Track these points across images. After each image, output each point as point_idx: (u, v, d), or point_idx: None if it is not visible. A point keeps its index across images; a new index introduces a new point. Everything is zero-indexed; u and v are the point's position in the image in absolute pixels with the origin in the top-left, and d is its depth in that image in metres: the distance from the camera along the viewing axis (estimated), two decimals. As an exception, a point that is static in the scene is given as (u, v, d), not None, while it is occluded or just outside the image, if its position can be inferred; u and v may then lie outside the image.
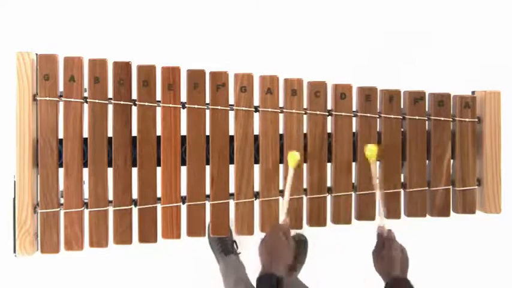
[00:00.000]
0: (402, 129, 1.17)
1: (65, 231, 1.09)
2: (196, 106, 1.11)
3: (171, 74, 1.10)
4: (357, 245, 1.85)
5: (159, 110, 1.11)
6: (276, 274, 0.94)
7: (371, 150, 1.10)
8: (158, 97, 1.11)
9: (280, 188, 1.15)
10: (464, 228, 1.86)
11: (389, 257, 0.98)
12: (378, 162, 1.15)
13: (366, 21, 2.03)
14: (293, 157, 1.10)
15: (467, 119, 1.17)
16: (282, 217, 1.06)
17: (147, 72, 1.10)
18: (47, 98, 1.07)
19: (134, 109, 1.10)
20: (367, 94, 1.16)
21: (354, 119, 1.16)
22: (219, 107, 1.12)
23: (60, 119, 1.09)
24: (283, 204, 1.07)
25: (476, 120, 1.18)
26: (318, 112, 1.15)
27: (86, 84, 1.09)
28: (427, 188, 1.18)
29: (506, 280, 2.00)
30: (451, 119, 1.18)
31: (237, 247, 1.82)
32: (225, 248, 1.79)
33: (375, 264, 1.01)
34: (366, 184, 1.15)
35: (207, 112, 1.12)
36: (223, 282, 1.67)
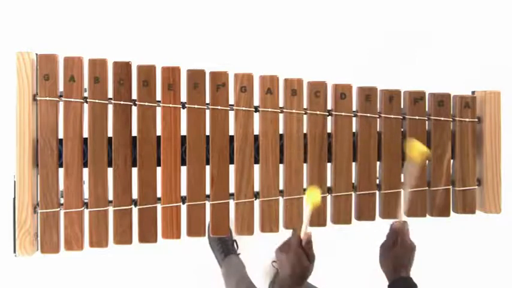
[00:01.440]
0: (402, 129, 1.17)
1: (65, 231, 1.09)
2: (196, 106, 1.11)
3: (171, 74, 1.10)
4: (357, 245, 1.86)
5: (159, 110, 1.11)
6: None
7: (417, 149, 1.04)
8: (158, 97, 1.11)
9: (281, 188, 1.15)
10: (464, 228, 1.86)
11: (398, 255, 0.97)
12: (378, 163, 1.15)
13: (366, 21, 2.03)
14: (314, 195, 1.00)
15: (467, 119, 1.17)
16: (303, 232, 0.99)
17: (147, 72, 1.10)
18: (47, 98, 1.08)
19: (134, 109, 1.10)
20: (367, 94, 1.16)
21: (354, 119, 1.16)
22: (219, 107, 1.12)
23: (60, 119, 1.09)
24: (302, 231, 0.99)
25: (476, 120, 1.18)
26: (318, 112, 1.15)
27: (86, 84, 1.09)
28: (427, 188, 1.18)
29: (506, 280, 2.00)
30: (451, 119, 1.18)
31: (237, 247, 1.82)
32: (225, 248, 1.79)
33: (381, 258, 1.00)
34: (366, 184, 1.15)
35: (207, 112, 1.12)
36: (225, 283, 1.67)
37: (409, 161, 1.06)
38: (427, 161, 1.17)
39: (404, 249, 0.98)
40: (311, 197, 1.00)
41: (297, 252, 0.95)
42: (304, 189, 1.15)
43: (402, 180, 1.08)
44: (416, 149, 1.04)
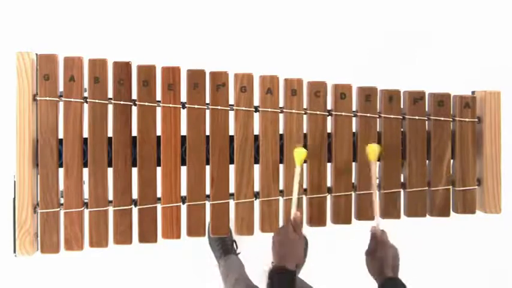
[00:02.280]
0: (402, 129, 1.17)
1: (65, 231, 1.09)
2: (196, 106, 1.11)
3: (171, 74, 1.10)
4: (357, 245, 1.85)
5: (159, 110, 1.11)
6: (289, 268, 0.95)
7: (372, 149, 1.10)
8: (158, 97, 1.11)
9: (281, 188, 1.15)
10: (464, 228, 1.86)
11: (381, 258, 0.99)
12: (377, 163, 1.15)
13: (366, 21, 2.03)
14: (300, 154, 1.09)
15: (467, 119, 1.17)
16: (293, 211, 1.06)
17: (147, 72, 1.10)
18: (47, 98, 1.08)
19: (134, 109, 1.10)
20: (367, 94, 1.16)
21: (354, 119, 1.16)
22: (219, 107, 1.12)
23: (60, 119, 1.09)
24: (293, 199, 1.07)
25: (476, 120, 1.18)
26: (318, 112, 1.15)
27: (86, 84, 1.09)
28: (427, 188, 1.18)
29: (506, 280, 2.00)
30: (451, 119, 1.18)
31: (236, 247, 1.82)
32: (225, 248, 1.79)
33: (367, 265, 1.02)
34: (366, 184, 1.15)
35: (207, 112, 1.12)
36: (223, 282, 1.67)
37: (370, 162, 1.10)
38: (425, 162, 1.17)
39: (385, 251, 1.00)
40: (298, 156, 1.08)
41: (285, 228, 1.02)
42: (305, 190, 1.15)
43: (372, 182, 1.10)
44: (373, 150, 1.09)
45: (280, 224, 1.15)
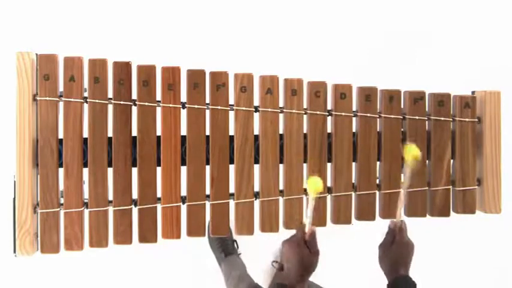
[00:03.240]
0: (402, 129, 1.17)
1: (65, 231, 1.09)
2: (196, 106, 1.11)
3: (171, 74, 1.10)
4: (357, 245, 1.85)
5: (159, 110, 1.11)
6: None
7: (410, 151, 1.03)
8: (158, 97, 1.11)
9: (281, 188, 1.15)
10: (464, 228, 1.86)
11: (396, 254, 0.97)
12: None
13: (366, 21, 2.03)
14: (315, 185, 0.97)
15: (467, 119, 1.17)
16: (308, 227, 0.99)
17: (147, 72, 1.10)
18: (47, 98, 1.07)
19: (134, 109, 1.10)
20: (367, 94, 1.16)
21: (354, 119, 1.16)
22: (219, 107, 1.12)
23: (60, 119, 1.09)
24: (307, 224, 0.99)
25: (476, 120, 1.18)
26: (318, 112, 1.15)
27: (86, 84, 1.09)
28: (427, 188, 1.18)
29: (506, 280, 2.00)
30: (451, 119, 1.18)
31: (237, 247, 1.82)
32: (225, 248, 1.79)
33: (380, 258, 1.00)
34: (366, 184, 1.15)
35: (207, 112, 1.12)
36: (225, 282, 1.67)
37: (406, 163, 1.05)
38: (425, 162, 1.17)
39: (402, 247, 0.99)
40: (313, 186, 0.98)
41: (301, 245, 0.96)
42: (305, 190, 1.15)
43: (402, 180, 1.08)
44: (411, 152, 1.03)
45: (280, 224, 1.15)
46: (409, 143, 1.08)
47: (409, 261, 0.99)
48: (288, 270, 0.95)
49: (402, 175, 1.12)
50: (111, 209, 1.10)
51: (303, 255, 0.94)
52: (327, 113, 1.15)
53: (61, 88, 1.09)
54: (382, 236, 1.05)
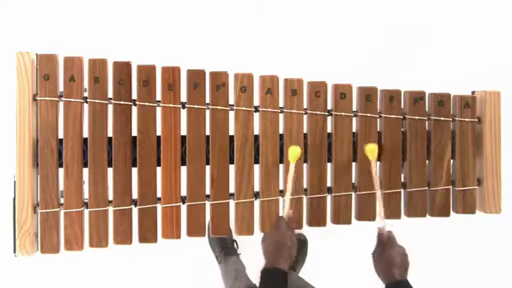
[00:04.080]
0: (402, 129, 1.17)
1: (65, 231, 1.09)
2: (196, 106, 1.11)
3: (171, 74, 1.10)
4: (357, 245, 1.85)
5: (159, 110, 1.11)
6: (281, 268, 0.94)
7: (371, 149, 1.10)
8: (158, 97, 1.11)
9: (281, 188, 1.15)
10: (464, 228, 1.86)
11: (389, 259, 0.97)
12: (377, 162, 1.15)
13: (366, 21, 2.03)
14: (294, 152, 1.09)
15: (467, 119, 1.17)
16: (286, 210, 1.06)
17: (147, 72, 1.10)
18: (47, 98, 1.07)
19: (134, 109, 1.10)
20: (367, 94, 1.16)
21: (354, 119, 1.16)
22: (219, 107, 1.12)
23: (60, 119, 1.09)
24: (286, 197, 1.06)
25: (476, 120, 1.18)
26: (318, 112, 1.15)
27: (86, 84, 1.09)
28: (427, 188, 1.18)
29: (506, 280, 2.00)
30: (451, 119, 1.18)
31: (237, 247, 1.82)
32: (225, 247, 1.79)
33: (374, 266, 1.01)
34: (366, 184, 1.15)
35: (207, 112, 1.12)
36: (223, 281, 1.67)
37: (370, 161, 1.09)
38: (425, 162, 1.17)
39: (393, 254, 0.98)
40: (293, 153, 1.08)
41: (279, 225, 1.02)
42: (305, 189, 1.15)
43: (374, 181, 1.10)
44: (371, 149, 1.09)
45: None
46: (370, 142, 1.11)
47: (404, 265, 0.98)
48: (266, 253, 0.99)
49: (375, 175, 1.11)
50: (111, 209, 1.10)
51: (279, 235, 0.99)
52: (327, 113, 1.15)
53: (61, 88, 1.09)
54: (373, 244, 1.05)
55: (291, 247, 1.00)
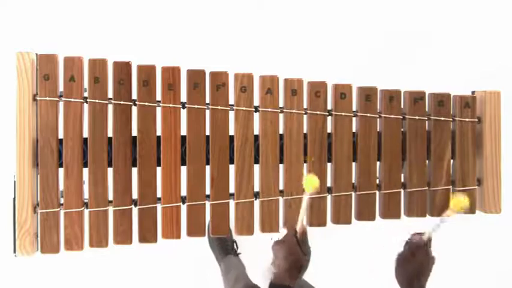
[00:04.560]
0: (402, 129, 1.17)
1: (65, 231, 1.09)
2: (196, 106, 1.11)
3: (171, 74, 1.10)
4: (357, 245, 1.86)
5: (159, 110, 1.11)
6: (289, 286, 0.92)
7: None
8: (158, 97, 1.11)
9: (281, 188, 1.15)
10: (464, 228, 1.86)
11: (416, 270, 0.94)
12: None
13: (366, 21, 2.03)
14: (312, 182, 0.97)
15: (467, 119, 1.17)
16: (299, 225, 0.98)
17: (147, 72, 1.10)
18: (47, 98, 1.08)
19: (134, 109, 1.10)
20: (367, 94, 1.16)
21: (354, 119, 1.16)
22: (219, 107, 1.12)
23: (60, 119, 1.09)
24: (298, 222, 0.98)
25: (476, 120, 1.18)
26: (318, 112, 1.15)
27: (86, 84, 1.09)
28: (427, 188, 1.18)
29: (506, 280, 2.00)
30: (451, 119, 1.18)
31: (237, 247, 1.82)
32: (225, 248, 1.79)
33: (397, 269, 0.97)
34: (366, 184, 1.15)
35: (207, 112, 1.12)
36: (223, 281, 1.67)
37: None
38: (425, 162, 1.17)
39: (423, 263, 0.95)
40: (310, 183, 0.97)
41: (291, 242, 0.94)
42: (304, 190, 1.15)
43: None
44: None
45: (280, 224, 1.15)
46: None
47: (427, 277, 0.95)
48: (278, 269, 0.93)
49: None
50: (111, 209, 1.10)
51: (293, 254, 0.93)
52: (327, 113, 1.15)
53: (61, 88, 1.09)
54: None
55: (301, 265, 0.94)
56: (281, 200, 1.15)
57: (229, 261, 1.73)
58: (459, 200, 1.01)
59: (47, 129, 1.08)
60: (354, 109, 1.16)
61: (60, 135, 1.09)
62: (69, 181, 1.09)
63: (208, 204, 1.13)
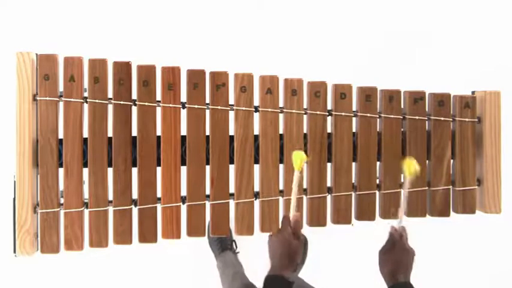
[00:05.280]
0: (402, 129, 1.17)
1: (65, 231, 1.09)
2: (196, 106, 1.11)
3: (171, 74, 1.10)
4: (357, 245, 1.85)
5: (159, 110, 1.11)
6: (286, 277, 0.92)
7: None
8: (158, 97, 1.11)
9: (281, 188, 1.15)
10: (464, 228, 1.86)
11: (396, 261, 0.96)
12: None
13: (366, 21, 2.03)
14: (299, 158, 1.00)
15: (467, 119, 1.17)
16: (292, 213, 1.00)
17: (147, 72, 1.10)
18: (47, 98, 1.08)
19: (134, 109, 1.10)
20: (367, 94, 1.16)
21: (354, 119, 1.16)
22: (219, 107, 1.12)
23: (60, 119, 1.09)
24: (292, 203, 1.00)
25: (476, 120, 1.18)
26: (318, 112, 1.15)
27: (86, 84, 1.09)
28: (427, 188, 1.18)
29: (506, 280, 2.00)
30: (451, 119, 1.18)
31: (236, 247, 1.82)
32: (225, 248, 1.79)
33: (380, 264, 0.99)
34: (366, 184, 1.15)
35: (207, 112, 1.12)
36: (221, 277, 1.67)
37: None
38: (425, 162, 1.17)
39: (403, 254, 0.97)
40: (297, 159, 0.99)
41: (285, 231, 0.96)
42: (305, 190, 1.15)
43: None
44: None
45: (280, 225, 1.15)
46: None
47: (409, 268, 0.97)
48: (274, 260, 0.95)
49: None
50: (111, 209, 1.10)
51: (287, 242, 0.95)
52: (327, 113, 1.15)
53: (61, 88, 1.09)
54: (383, 241, 1.04)
55: (296, 254, 0.96)
56: (281, 200, 1.15)
57: (227, 257, 1.73)
58: (409, 162, 1.02)
59: (47, 129, 1.08)
60: (354, 109, 1.16)
61: (60, 135, 1.09)
62: (69, 181, 1.09)
63: (208, 204, 1.13)
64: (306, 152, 1.14)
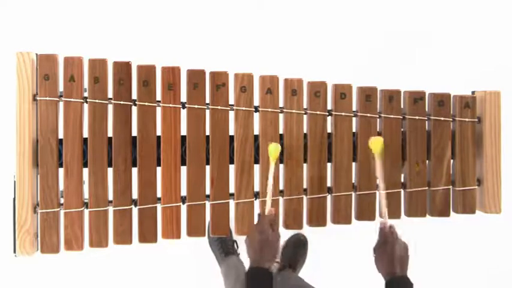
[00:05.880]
0: (402, 129, 1.17)
1: (65, 231, 1.09)
2: (196, 106, 1.11)
3: (171, 74, 1.10)
4: (357, 245, 1.86)
5: (159, 110, 1.11)
6: (266, 268, 0.95)
7: (376, 143, 1.06)
8: (158, 97, 1.11)
9: (281, 188, 1.15)
10: (464, 228, 1.86)
11: (390, 254, 0.97)
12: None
13: (366, 21, 2.03)
14: (276, 149, 1.06)
15: (467, 119, 1.17)
16: (268, 208, 1.04)
17: (147, 72, 1.10)
18: (47, 98, 1.08)
19: (134, 109, 1.10)
20: (367, 94, 1.16)
21: (354, 119, 1.16)
22: (219, 107, 1.12)
23: (60, 119, 1.09)
24: (267, 196, 1.04)
25: (476, 120, 1.18)
26: (318, 112, 1.15)
27: (86, 84, 1.09)
28: (427, 188, 1.18)
29: (506, 280, 2.00)
30: (451, 119, 1.18)
31: (237, 247, 1.82)
32: (225, 248, 1.79)
33: (375, 261, 1.00)
34: (366, 184, 1.15)
35: (207, 112, 1.12)
36: (224, 282, 1.67)
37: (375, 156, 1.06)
38: (425, 162, 1.17)
39: (395, 249, 0.98)
40: (273, 152, 1.06)
41: (262, 224, 1.00)
42: (305, 190, 1.15)
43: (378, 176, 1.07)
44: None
45: (280, 224, 1.15)
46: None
47: (405, 261, 0.98)
48: (254, 253, 0.98)
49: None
50: (111, 209, 1.10)
51: (265, 235, 0.98)
52: (327, 113, 1.15)
53: (61, 88, 1.09)
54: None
55: (274, 245, 0.99)
56: (281, 200, 1.15)
57: (229, 261, 1.73)
58: (376, 141, 1.05)
59: (47, 129, 1.08)
60: (354, 109, 1.16)
61: (60, 135, 1.09)
62: (69, 181, 1.09)
63: (208, 204, 1.13)
64: (306, 152, 1.14)
